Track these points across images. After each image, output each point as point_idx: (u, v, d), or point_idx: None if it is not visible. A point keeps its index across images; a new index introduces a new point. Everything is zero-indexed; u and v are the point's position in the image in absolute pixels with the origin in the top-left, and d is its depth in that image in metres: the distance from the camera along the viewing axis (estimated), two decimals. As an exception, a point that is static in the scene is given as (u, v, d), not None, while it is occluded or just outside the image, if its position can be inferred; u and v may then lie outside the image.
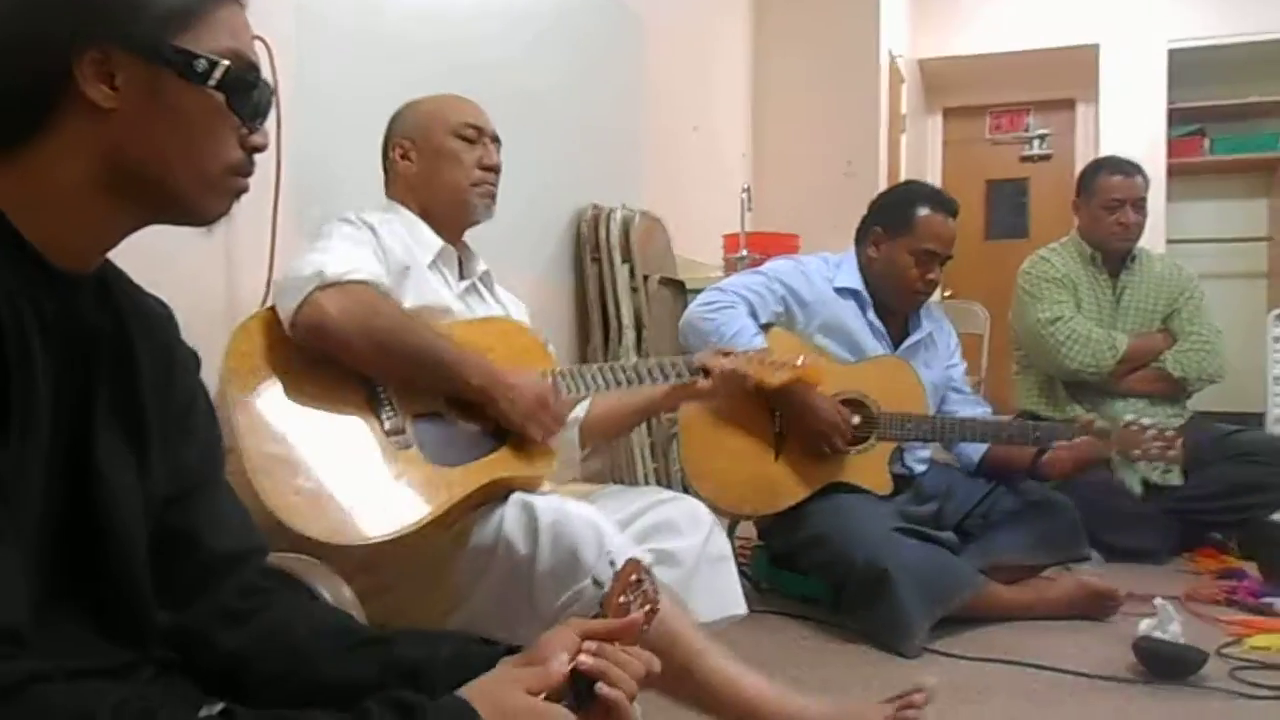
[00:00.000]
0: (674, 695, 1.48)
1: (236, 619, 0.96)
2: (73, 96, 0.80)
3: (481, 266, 1.93)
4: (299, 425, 1.50)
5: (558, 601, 1.44)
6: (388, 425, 1.56)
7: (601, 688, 0.85)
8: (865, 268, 2.66)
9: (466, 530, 1.56)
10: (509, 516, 1.53)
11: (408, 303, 1.68)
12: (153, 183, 0.84)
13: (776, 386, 2.06)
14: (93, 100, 0.80)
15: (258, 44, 2.05)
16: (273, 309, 1.58)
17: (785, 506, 2.45)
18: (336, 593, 1.17)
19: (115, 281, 0.92)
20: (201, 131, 0.85)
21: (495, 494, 1.58)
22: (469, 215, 1.86)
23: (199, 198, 0.87)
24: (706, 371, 1.91)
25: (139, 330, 0.92)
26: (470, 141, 1.84)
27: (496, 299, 1.95)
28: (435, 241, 1.81)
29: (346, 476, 1.48)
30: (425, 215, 1.84)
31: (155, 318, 0.97)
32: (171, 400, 0.95)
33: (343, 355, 1.55)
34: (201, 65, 0.83)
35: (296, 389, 1.54)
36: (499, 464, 1.60)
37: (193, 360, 1.02)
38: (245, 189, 0.91)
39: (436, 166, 1.83)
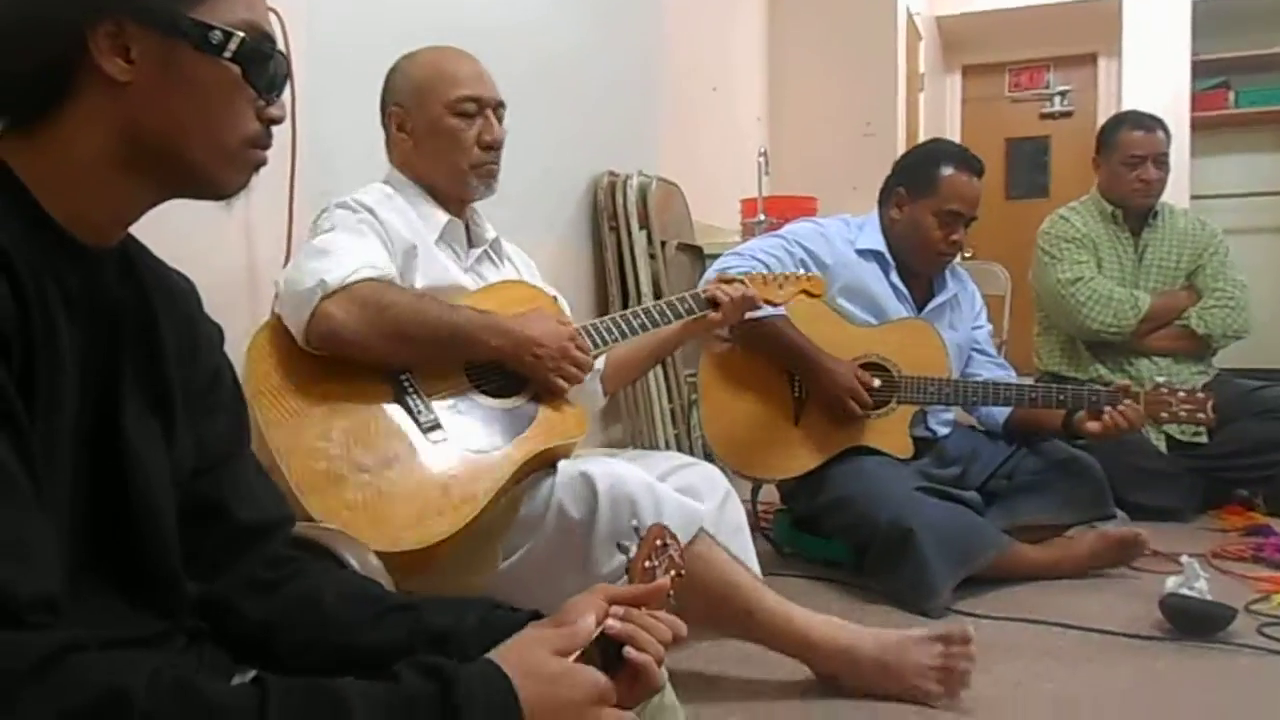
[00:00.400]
0: (738, 636, 1.72)
1: (265, 589, 0.98)
2: (88, 70, 0.80)
3: (490, 233, 1.89)
4: (335, 436, 1.50)
5: (614, 563, 1.46)
6: (420, 419, 1.56)
7: (630, 651, 0.86)
8: (888, 229, 2.63)
9: (516, 501, 1.58)
10: (560, 485, 1.55)
11: (418, 284, 1.66)
12: (170, 156, 0.84)
13: (784, 301, 2.10)
14: (109, 74, 0.80)
15: (270, 16, 2.03)
16: (279, 318, 1.57)
17: (805, 471, 2.45)
18: (363, 560, 1.18)
19: (137, 255, 0.93)
20: (218, 104, 0.85)
21: (540, 466, 1.60)
22: (468, 196, 1.81)
23: (217, 171, 0.87)
24: (716, 303, 1.92)
25: (162, 304, 0.92)
26: (469, 116, 1.75)
27: (509, 261, 1.93)
28: (440, 217, 1.77)
29: (392, 482, 1.49)
30: (426, 187, 1.79)
31: (178, 292, 0.98)
32: (196, 374, 0.96)
33: (362, 355, 1.54)
34: (217, 37, 0.83)
35: (323, 397, 1.54)
36: (536, 438, 1.61)
37: (217, 335, 1.03)
38: (264, 161, 0.90)
39: (433, 145, 1.76)
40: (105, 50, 0.80)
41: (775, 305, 2.12)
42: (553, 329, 1.66)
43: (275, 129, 0.91)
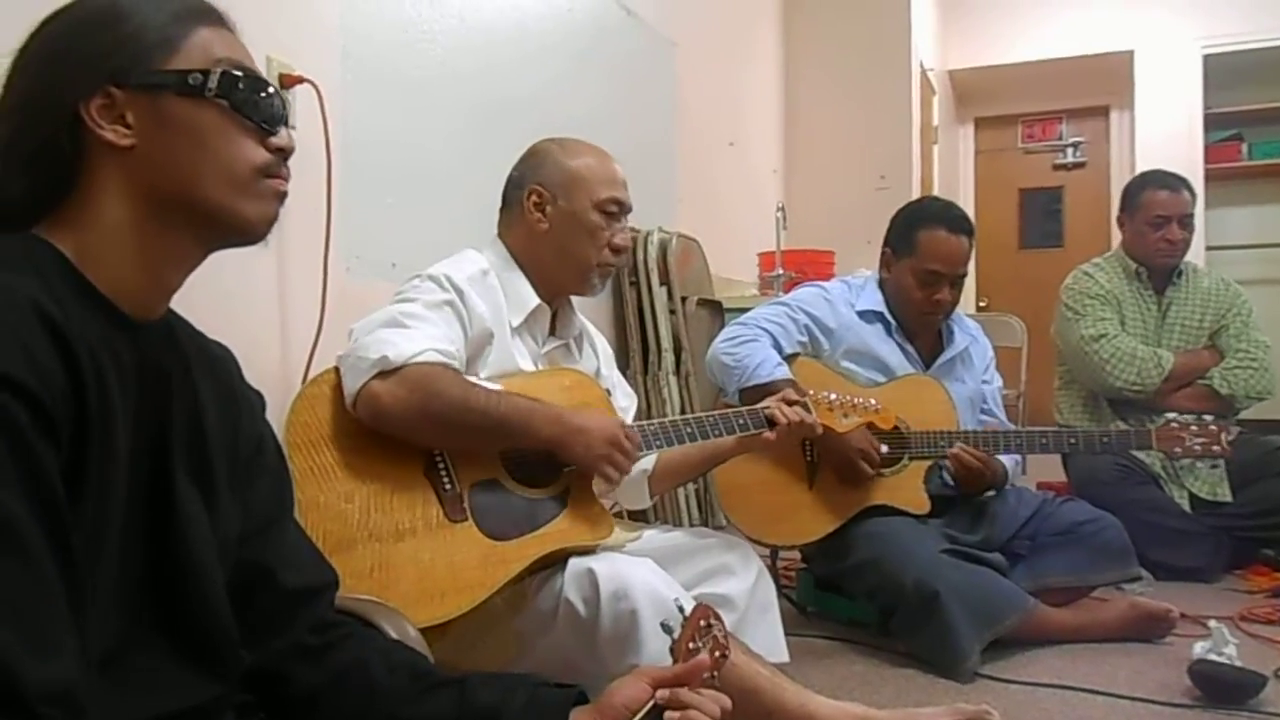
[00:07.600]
0: None
1: (312, 656, 0.99)
2: (94, 143, 0.85)
3: (576, 327, 1.91)
4: (358, 499, 1.52)
5: (623, 664, 1.44)
6: (445, 496, 1.56)
7: None
8: (884, 288, 2.66)
9: (524, 594, 1.57)
10: (568, 583, 1.53)
11: (485, 372, 1.67)
12: (190, 202, 0.87)
13: (845, 431, 2.05)
14: (111, 142, 0.85)
15: (307, 87, 2.08)
16: (336, 372, 1.59)
17: (823, 535, 2.42)
18: (402, 631, 1.19)
19: (179, 327, 0.96)
20: (217, 139, 0.88)
21: (553, 560, 1.58)
22: (582, 290, 1.84)
23: (237, 204, 0.89)
24: (772, 421, 1.89)
25: (203, 374, 0.95)
26: (611, 217, 1.80)
27: (591, 350, 1.94)
28: (530, 301, 1.78)
29: (402, 556, 1.50)
30: (531, 270, 1.80)
31: (218, 361, 1.00)
32: (239, 442, 0.98)
33: (405, 437, 1.55)
34: (195, 78, 0.87)
35: (356, 461, 1.55)
36: (555, 535, 1.60)
37: (259, 402, 1.05)
38: (283, 191, 0.93)
39: (570, 235, 1.79)
40: (102, 121, 0.85)
41: (835, 432, 2.06)
42: (601, 420, 1.65)
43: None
